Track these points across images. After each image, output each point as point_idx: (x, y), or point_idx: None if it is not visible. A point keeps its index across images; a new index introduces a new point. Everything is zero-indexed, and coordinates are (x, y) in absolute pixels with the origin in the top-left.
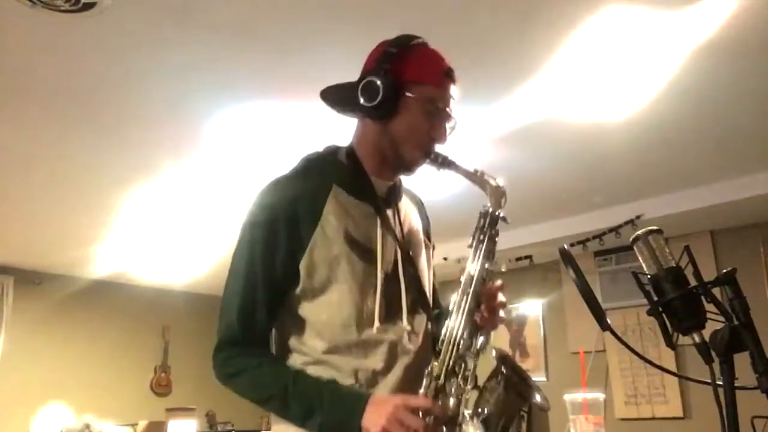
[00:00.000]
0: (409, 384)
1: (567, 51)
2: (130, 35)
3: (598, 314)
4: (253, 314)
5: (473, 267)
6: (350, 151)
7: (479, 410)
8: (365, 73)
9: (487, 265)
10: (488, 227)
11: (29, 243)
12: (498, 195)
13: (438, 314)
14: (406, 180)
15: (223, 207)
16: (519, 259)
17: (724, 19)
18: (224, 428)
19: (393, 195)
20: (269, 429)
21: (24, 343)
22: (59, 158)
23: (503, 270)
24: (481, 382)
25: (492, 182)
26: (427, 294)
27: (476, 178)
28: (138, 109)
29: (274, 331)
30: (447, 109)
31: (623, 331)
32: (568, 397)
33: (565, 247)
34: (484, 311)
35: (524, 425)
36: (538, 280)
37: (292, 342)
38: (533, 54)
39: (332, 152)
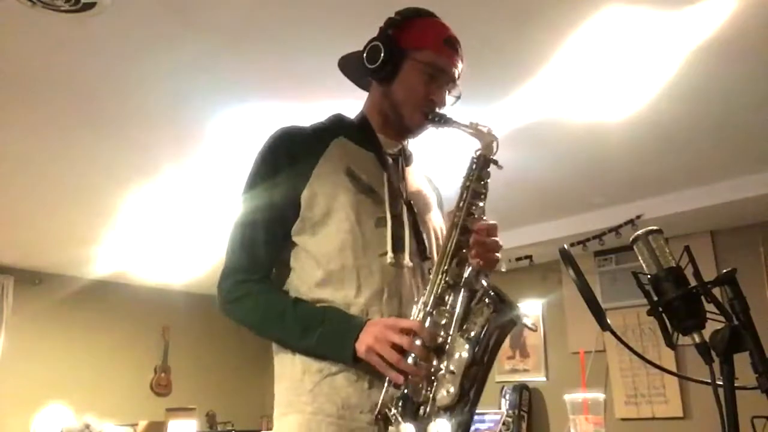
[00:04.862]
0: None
1: (567, 51)
2: (131, 35)
3: (598, 314)
4: (256, 247)
5: (461, 202)
6: (361, 114)
7: (467, 332)
8: (370, 40)
9: (478, 203)
10: (478, 169)
11: (29, 243)
12: (488, 140)
13: None
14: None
15: (223, 207)
16: (519, 259)
17: (724, 19)
18: (224, 428)
19: (400, 156)
20: (269, 429)
21: (24, 343)
22: (59, 158)
23: (503, 270)
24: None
25: (484, 129)
26: (430, 246)
27: (470, 128)
28: (138, 109)
29: (274, 270)
30: (448, 76)
31: (623, 331)
32: (568, 397)
33: (565, 247)
34: (476, 245)
35: (524, 425)
36: (538, 280)
37: (292, 277)
38: (533, 54)
39: (343, 115)
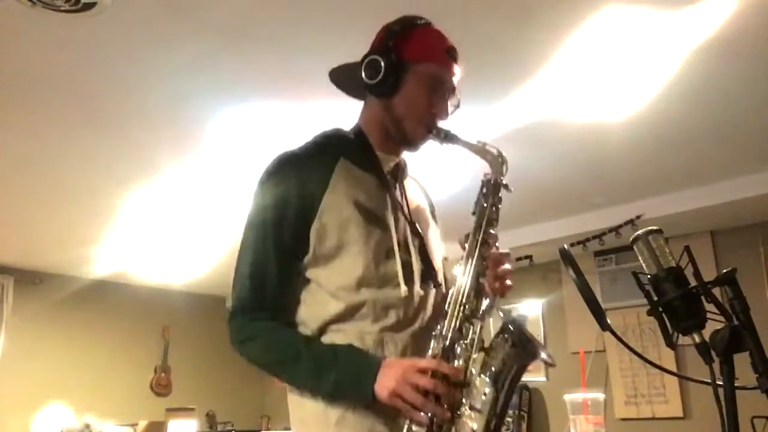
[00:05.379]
0: (416, 351)
1: (567, 51)
2: (130, 35)
3: (598, 314)
4: (264, 282)
5: (477, 232)
6: (357, 129)
7: (487, 367)
8: (369, 52)
9: (491, 230)
10: (490, 195)
11: (29, 243)
12: (499, 163)
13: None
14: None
15: (223, 207)
16: (519, 259)
17: (724, 19)
18: (224, 428)
19: (398, 172)
20: (269, 429)
21: (24, 343)
22: (59, 158)
23: None
24: (487, 344)
25: (493, 151)
26: (437, 268)
27: (478, 149)
28: (138, 109)
29: (284, 303)
30: (449, 87)
31: (623, 331)
32: (568, 397)
33: (565, 247)
34: (490, 275)
35: (524, 425)
36: (538, 280)
37: (303, 311)
38: (533, 54)
39: (339, 130)
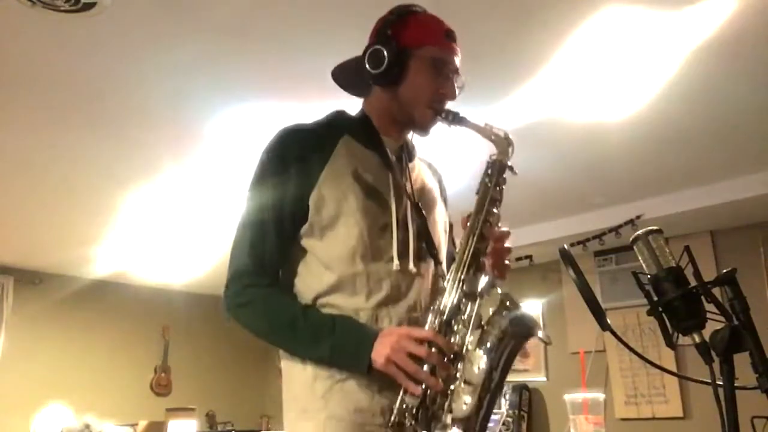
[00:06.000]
0: (411, 325)
1: (567, 51)
2: (130, 35)
3: (598, 314)
4: (264, 248)
5: (479, 211)
6: (362, 113)
7: (483, 343)
8: (369, 45)
9: (493, 210)
10: (495, 175)
11: (29, 243)
12: (504, 144)
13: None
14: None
15: (223, 207)
16: (519, 259)
17: (724, 19)
18: (224, 428)
19: (403, 153)
20: (269, 429)
21: (24, 343)
22: (59, 158)
23: None
24: (484, 321)
25: (500, 133)
26: (438, 248)
27: (485, 131)
28: (138, 109)
29: (281, 274)
30: (452, 68)
31: (623, 331)
32: (568, 397)
33: (565, 247)
34: (491, 254)
35: (524, 425)
36: (538, 280)
37: (297, 282)
38: (533, 54)
39: (344, 112)
